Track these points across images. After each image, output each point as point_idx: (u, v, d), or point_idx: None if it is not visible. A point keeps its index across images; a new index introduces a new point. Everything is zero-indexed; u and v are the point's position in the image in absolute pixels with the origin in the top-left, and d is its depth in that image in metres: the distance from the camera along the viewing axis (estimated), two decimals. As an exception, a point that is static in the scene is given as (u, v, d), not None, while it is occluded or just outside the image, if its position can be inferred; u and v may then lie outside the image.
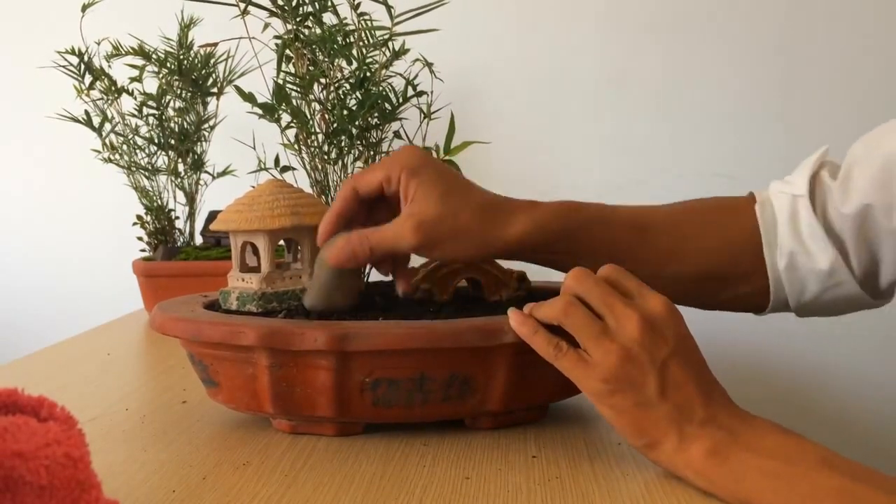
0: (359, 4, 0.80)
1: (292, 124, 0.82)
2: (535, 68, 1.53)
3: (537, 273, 0.89)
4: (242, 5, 0.78)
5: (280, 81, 0.80)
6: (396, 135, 0.86)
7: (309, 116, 0.82)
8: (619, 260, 0.65)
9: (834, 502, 0.51)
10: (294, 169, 0.85)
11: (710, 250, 0.77)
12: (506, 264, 0.83)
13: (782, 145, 1.48)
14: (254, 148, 0.88)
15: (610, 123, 1.56)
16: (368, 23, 0.80)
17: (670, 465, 0.58)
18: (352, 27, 0.81)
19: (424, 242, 0.68)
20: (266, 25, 0.80)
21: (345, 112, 0.81)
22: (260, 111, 0.80)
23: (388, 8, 0.79)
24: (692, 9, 1.51)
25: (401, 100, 0.82)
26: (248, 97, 0.80)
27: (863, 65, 1.46)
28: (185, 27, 1.34)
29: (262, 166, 0.86)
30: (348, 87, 0.82)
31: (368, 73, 0.81)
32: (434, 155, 0.83)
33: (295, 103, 0.81)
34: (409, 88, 0.82)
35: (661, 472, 0.60)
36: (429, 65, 0.84)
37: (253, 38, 0.81)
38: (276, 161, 0.86)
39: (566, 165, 1.57)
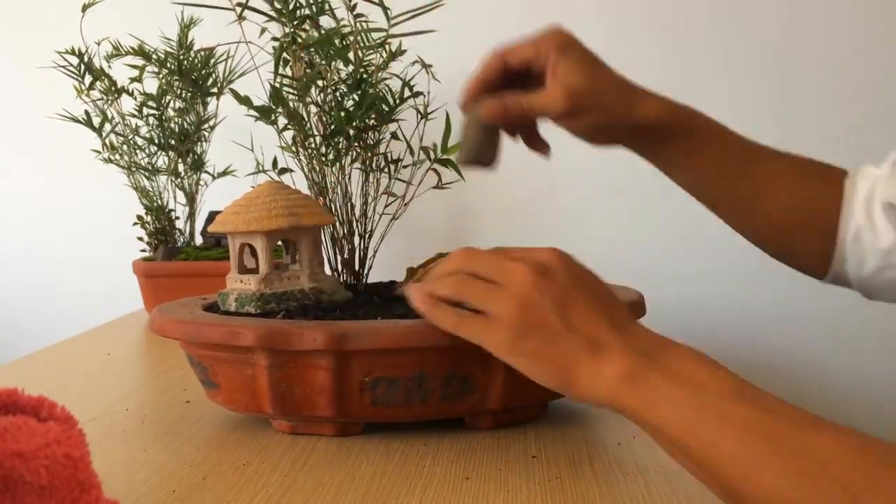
0: (355, 6, 0.80)
1: (289, 126, 0.82)
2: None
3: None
4: (238, 9, 0.78)
5: (276, 84, 0.80)
6: (393, 136, 0.86)
7: (306, 119, 0.82)
8: (725, 175, 0.75)
9: (741, 432, 0.50)
10: (291, 171, 0.86)
11: (800, 198, 0.81)
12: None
13: (782, 145, 1.48)
14: (251, 150, 0.88)
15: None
16: (365, 25, 0.80)
17: (591, 393, 0.57)
18: (348, 29, 0.81)
19: (572, 108, 0.74)
20: (263, 30, 0.80)
21: (342, 113, 0.81)
22: (256, 114, 0.80)
23: (385, 10, 0.79)
24: (692, 9, 1.51)
25: (397, 101, 0.82)
26: (244, 100, 0.80)
27: (862, 65, 1.46)
28: (185, 27, 1.34)
29: (261, 168, 0.86)
30: (345, 88, 0.82)
31: (365, 75, 0.81)
32: (431, 154, 0.84)
33: (292, 106, 0.81)
34: (406, 89, 0.82)
35: (661, 471, 0.60)
36: (427, 66, 0.83)
37: (249, 42, 0.81)
38: (275, 163, 0.86)
39: (565, 166, 1.57)
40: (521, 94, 0.75)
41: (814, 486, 0.47)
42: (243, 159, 1.01)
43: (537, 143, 0.82)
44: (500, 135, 0.78)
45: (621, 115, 0.76)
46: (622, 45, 1.53)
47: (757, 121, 1.51)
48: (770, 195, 0.81)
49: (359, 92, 0.81)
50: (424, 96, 0.84)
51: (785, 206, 0.81)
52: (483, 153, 0.77)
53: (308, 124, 0.82)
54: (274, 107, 0.80)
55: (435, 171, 0.85)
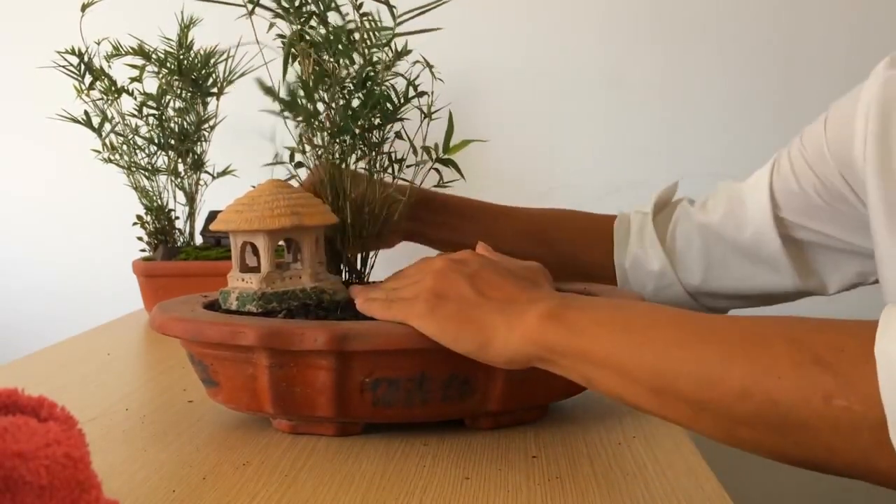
0: (361, 4, 0.80)
1: (299, 123, 0.82)
2: (535, 69, 1.53)
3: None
4: (250, 6, 0.77)
5: (304, 77, 0.79)
6: (398, 135, 0.86)
7: (314, 117, 0.82)
8: (487, 226, 0.96)
9: (673, 329, 0.53)
10: (306, 166, 0.85)
11: (568, 240, 0.98)
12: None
13: (781, 146, 1.48)
14: (273, 141, 0.87)
15: (609, 124, 1.56)
16: (372, 23, 0.80)
17: (509, 350, 0.60)
18: (353, 27, 0.81)
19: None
20: (271, 25, 0.80)
21: (349, 112, 0.81)
22: (278, 109, 0.79)
23: (390, 8, 0.79)
24: (692, 10, 1.51)
25: (402, 100, 0.82)
26: (270, 90, 0.79)
27: (862, 65, 1.46)
28: (186, 27, 1.34)
29: (278, 160, 0.85)
30: (352, 86, 0.82)
31: (372, 73, 0.81)
32: (433, 154, 0.84)
33: (300, 103, 0.81)
34: (411, 89, 0.82)
35: (660, 471, 0.60)
36: (429, 66, 0.83)
37: (251, 42, 0.81)
38: (292, 156, 0.85)
39: (565, 166, 1.57)
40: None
41: (755, 343, 0.50)
42: (243, 159, 1.01)
43: None
44: None
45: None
46: (622, 45, 1.53)
47: (757, 121, 1.51)
48: (536, 239, 0.98)
49: (364, 90, 0.81)
50: (429, 96, 0.84)
51: (556, 243, 0.98)
52: None
53: (317, 122, 0.82)
54: (309, 99, 0.79)
55: (437, 170, 0.85)
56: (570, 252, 0.97)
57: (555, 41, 1.52)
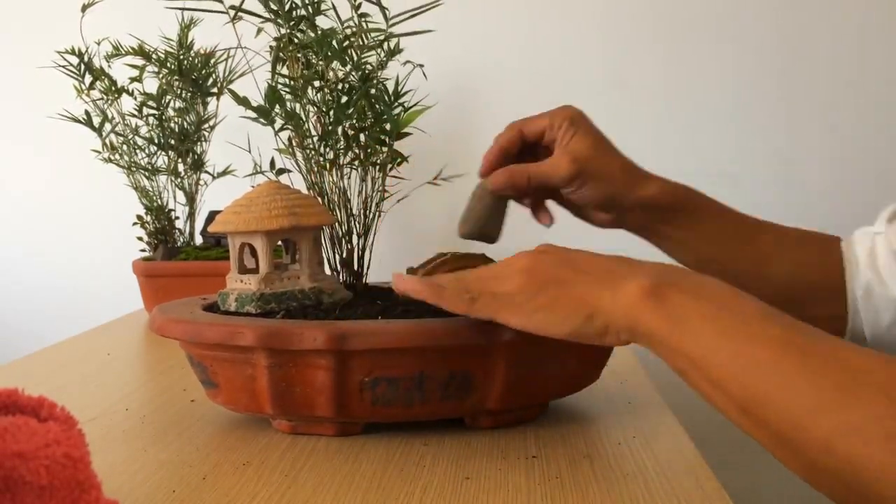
0: (359, 5, 0.80)
1: (287, 127, 0.82)
2: (535, 68, 1.53)
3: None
4: (232, 12, 0.78)
5: (273, 84, 0.80)
6: (389, 136, 0.86)
7: (304, 119, 0.82)
8: (726, 248, 0.78)
9: (772, 347, 0.49)
10: (289, 171, 0.85)
11: (801, 264, 0.82)
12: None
13: (783, 146, 1.48)
14: (249, 151, 0.88)
15: (610, 123, 1.56)
16: (366, 25, 0.80)
17: (613, 319, 0.56)
18: (350, 30, 0.81)
19: (576, 174, 0.77)
20: (259, 30, 0.80)
21: (339, 114, 0.81)
22: (254, 114, 0.80)
23: (383, 9, 0.79)
24: (693, 10, 1.51)
25: (392, 100, 0.82)
26: (243, 101, 0.80)
27: (862, 65, 1.46)
28: (185, 27, 1.34)
29: (258, 169, 0.86)
30: (342, 88, 0.82)
31: (362, 75, 0.81)
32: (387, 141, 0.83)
33: (289, 106, 0.81)
34: (405, 86, 0.82)
35: (660, 471, 0.60)
36: (419, 66, 0.83)
37: (245, 48, 0.81)
38: (272, 164, 0.86)
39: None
40: (527, 164, 0.78)
41: (851, 394, 0.46)
42: (243, 159, 1.01)
43: (540, 213, 0.85)
44: (507, 210, 0.80)
45: (623, 191, 0.78)
46: (623, 45, 1.53)
47: (757, 121, 1.51)
48: (772, 263, 0.82)
49: (360, 91, 0.81)
50: (411, 93, 0.84)
51: (787, 273, 0.82)
52: (487, 227, 0.78)
53: (306, 125, 0.82)
54: (271, 107, 0.80)
55: (397, 151, 0.85)
56: (786, 271, 0.82)
57: (556, 42, 1.52)
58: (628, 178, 0.79)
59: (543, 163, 0.78)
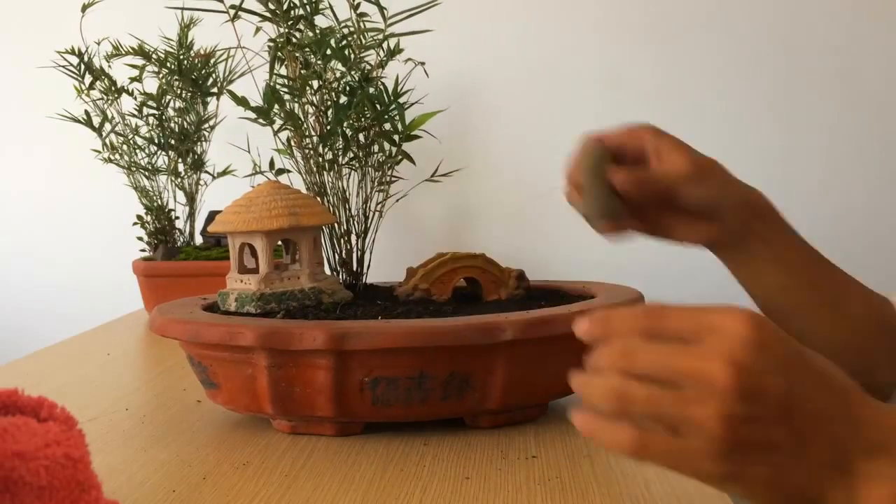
0: (358, 5, 0.80)
1: (286, 127, 0.82)
2: (535, 68, 1.53)
3: (535, 271, 0.89)
4: (232, 11, 0.78)
5: (272, 84, 0.80)
6: (388, 134, 0.86)
7: (302, 119, 0.82)
8: (811, 274, 0.71)
9: None
10: (289, 171, 0.86)
11: (871, 304, 0.76)
12: (507, 264, 0.83)
13: (781, 146, 1.48)
14: (248, 151, 0.88)
15: (609, 124, 1.56)
16: (364, 25, 0.80)
17: None
18: (348, 29, 0.81)
19: (696, 170, 0.72)
20: (258, 29, 0.80)
21: (338, 113, 0.81)
22: (253, 115, 0.80)
23: (381, 9, 0.79)
24: (691, 10, 1.51)
25: (392, 98, 0.82)
26: (241, 101, 0.80)
27: (861, 66, 1.46)
28: (185, 27, 1.34)
29: (258, 169, 0.86)
30: (339, 86, 0.82)
31: (361, 74, 0.81)
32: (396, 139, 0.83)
33: (288, 106, 0.81)
34: (404, 86, 0.82)
35: (660, 471, 0.60)
36: (421, 63, 0.83)
37: (245, 48, 0.81)
38: (272, 164, 0.86)
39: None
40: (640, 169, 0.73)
41: None
42: (243, 159, 1.01)
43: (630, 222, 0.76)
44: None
45: (727, 187, 0.74)
46: (621, 45, 1.53)
47: (756, 122, 1.51)
48: (850, 297, 0.75)
49: (360, 91, 0.81)
50: (409, 93, 0.84)
51: (862, 306, 0.75)
52: (615, 210, 0.75)
53: (305, 125, 0.82)
54: (270, 107, 0.80)
55: (404, 153, 0.85)
56: (863, 302, 0.75)
57: (553, 41, 1.52)
58: (724, 174, 0.74)
59: (660, 165, 0.72)
